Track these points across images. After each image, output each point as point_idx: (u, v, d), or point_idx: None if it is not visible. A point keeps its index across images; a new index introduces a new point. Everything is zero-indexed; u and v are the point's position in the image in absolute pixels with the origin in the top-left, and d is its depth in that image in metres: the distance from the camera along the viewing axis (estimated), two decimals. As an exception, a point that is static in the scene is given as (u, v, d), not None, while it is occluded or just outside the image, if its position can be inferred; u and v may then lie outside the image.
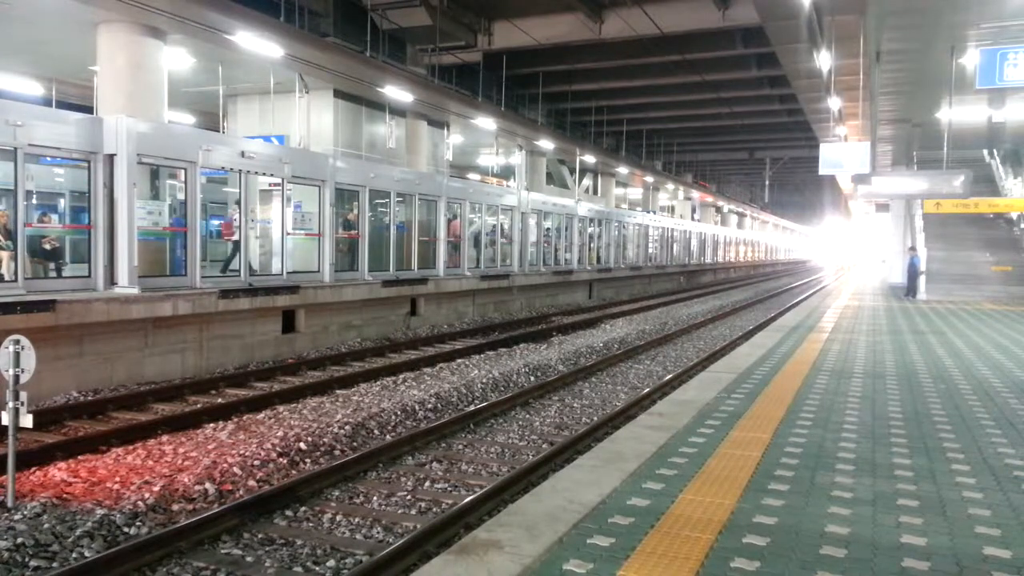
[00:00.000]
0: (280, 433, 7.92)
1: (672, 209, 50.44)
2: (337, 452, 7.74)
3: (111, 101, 13.00)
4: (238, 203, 13.26)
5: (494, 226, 22.58)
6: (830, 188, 56.73)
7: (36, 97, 17.66)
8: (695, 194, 49.92)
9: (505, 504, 6.09)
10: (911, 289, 22.87)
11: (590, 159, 32.67)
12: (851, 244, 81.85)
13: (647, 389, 11.20)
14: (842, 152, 18.98)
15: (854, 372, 8.74)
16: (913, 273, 23.15)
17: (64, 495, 6.17)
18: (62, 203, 14.57)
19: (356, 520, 6.05)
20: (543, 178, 31.89)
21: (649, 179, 41.06)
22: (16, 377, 5.96)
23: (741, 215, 65.69)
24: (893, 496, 4.42)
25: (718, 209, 59.29)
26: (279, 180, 13.61)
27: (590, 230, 28.76)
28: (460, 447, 8.22)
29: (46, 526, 5.45)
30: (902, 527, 3.93)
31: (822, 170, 19.45)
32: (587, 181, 36.53)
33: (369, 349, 14.19)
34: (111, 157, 10.89)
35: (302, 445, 7.60)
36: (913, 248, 25.12)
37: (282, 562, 5.28)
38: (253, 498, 6.11)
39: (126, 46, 13.12)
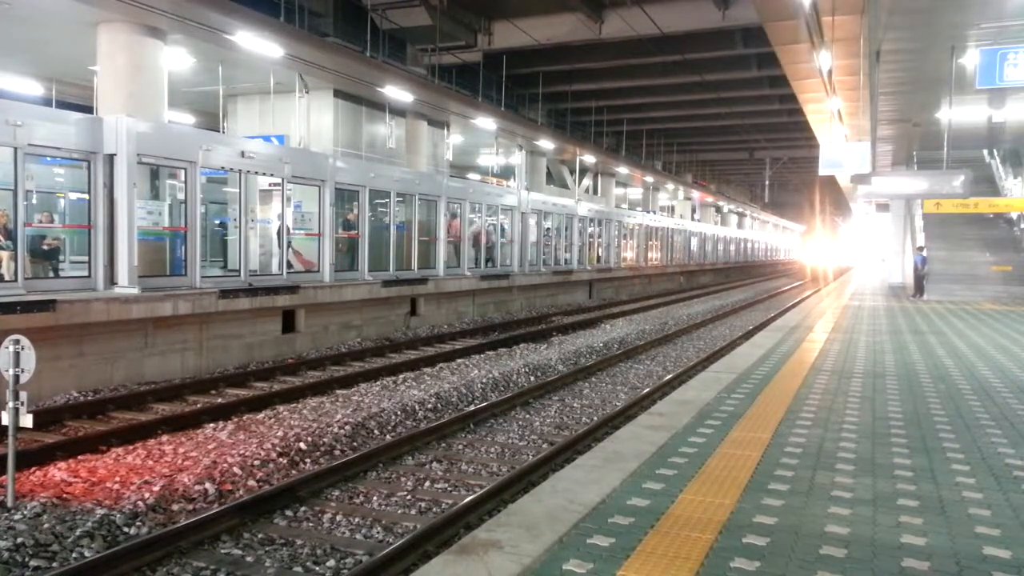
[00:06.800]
0: (280, 433, 7.92)
1: (672, 209, 50.44)
2: (337, 452, 7.74)
3: (111, 101, 13.00)
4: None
5: (493, 225, 22.57)
6: (830, 188, 56.71)
7: (36, 97, 17.65)
8: (695, 194, 49.92)
9: (505, 504, 6.09)
10: (919, 288, 22.82)
11: (590, 159, 32.67)
12: (851, 244, 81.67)
13: (647, 389, 11.20)
14: (842, 152, 18.99)
15: (854, 372, 8.74)
16: (919, 272, 23.11)
17: (64, 495, 6.17)
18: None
19: (356, 520, 6.05)
20: (543, 178, 31.89)
21: (649, 179, 41.06)
22: (16, 377, 5.96)
23: (741, 215, 65.66)
24: (893, 496, 4.42)
25: (718, 209, 59.26)
26: (279, 180, 13.62)
27: (590, 230, 28.77)
28: (460, 447, 8.23)
29: (46, 526, 5.45)
30: (902, 527, 3.93)
31: (822, 170, 19.46)
32: (587, 181, 36.52)
33: (369, 349, 14.19)
34: (111, 157, 10.89)
35: (302, 445, 7.60)
36: (920, 248, 25.10)
37: (282, 562, 5.28)
38: (253, 498, 6.11)
39: (126, 46, 13.12)
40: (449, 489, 6.89)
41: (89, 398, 9.79)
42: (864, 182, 18.78)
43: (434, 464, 7.57)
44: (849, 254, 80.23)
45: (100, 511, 5.75)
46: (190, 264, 11.96)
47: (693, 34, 22.71)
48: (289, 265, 14.03)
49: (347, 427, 8.30)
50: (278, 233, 14.38)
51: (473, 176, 31.13)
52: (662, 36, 21.15)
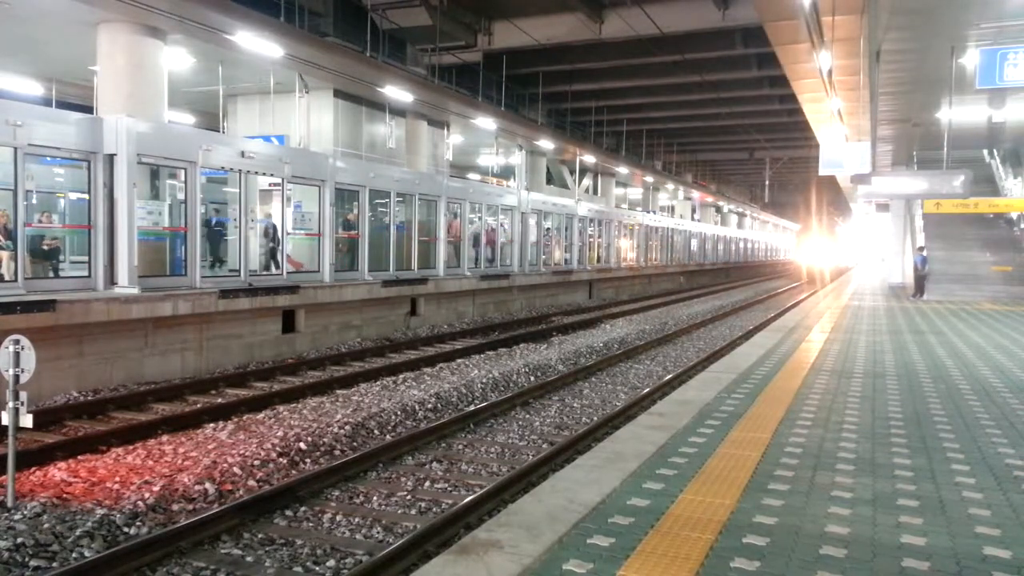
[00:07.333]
0: (280, 433, 7.92)
1: (672, 209, 50.44)
2: (337, 452, 7.75)
3: (111, 101, 13.00)
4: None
5: (495, 226, 22.61)
6: (830, 188, 56.66)
7: (36, 97, 17.64)
8: (695, 194, 49.92)
9: (505, 504, 6.09)
10: (920, 288, 22.80)
11: (590, 159, 32.67)
12: (851, 244, 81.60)
13: (647, 389, 11.20)
14: (842, 152, 18.99)
15: (854, 372, 8.74)
16: (919, 272, 23.09)
17: (64, 495, 6.17)
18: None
19: (356, 520, 6.05)
20: (543, 178, 31.89)
21: (649, 179, 41.06)
22: (16, 377, 5.96)
23: (741, 215, 65.64)
24: (893, 496, 4.42)
25: (718, 209, 59.24)
26: (279, 180, 13.62)
27: (590, 230, 28.78)
28: (460, 447, 8.23)
29: (46, 526, 5.45)
30: (902, 527, 3.93)
31: (822, 170, 19.45)
32: (587, 181, 36.52)
33: (369, 349, 14.19)
34: (111, 157, 10.90)
35: (302, 445, 7.60)
36: (920, 248, 25.10)
37: (282, 562, 5.28)
38: (253, 498, 6.11)
39: (126, 46, 13.11)
40: (449, 489, 6.89)
41: (89, 398, 9.79)
42: (864, 182, 18.77)
43: (434, 464, 7.57)
44: (849, 254, 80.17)
45: (100, 511, 5.75)
46: (190, 264, 11.96)
47: (693, 34, 22.70)
48: (277, 265, 14.03)
49: (347, 427, 8.30)
50: (265, 234, 14.33)
51: (473, 176, 31.12)
52: (662, 36, 21.13)
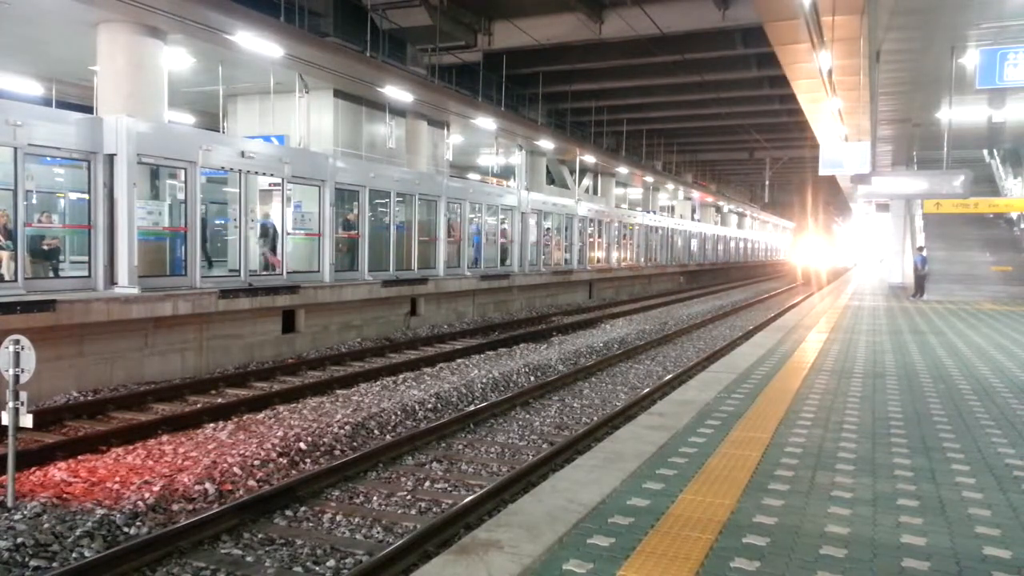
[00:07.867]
0: (280, 433, 7.92)
1: (672, 209, 50.43)
2: (337, 452, 7.75)
3: (111, 101, 12.99)
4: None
5: (502, 227, 22.63)
6: (831, 187, 56.59)
7: (36, 97, 17.64)
8: (695, 194, 49.92)
9: (505, 504, 6.09)
10: (919, 288, 22.79)
11: (590, 159, 32.66)
12: (852, 243, 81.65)
13: (647, 389, 11.20)
14: (842, 152, 18.98)
15: (854, 372, 8.74)
16: (919, 273, 23.09)
17: (64, 495, 6.17)
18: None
19: (356, 520, 6.05)
20: (543, 178, 31.87)
21: (649, 179, 41.05)
22: (16, 377, 5.96)
23: (741, 215, 65.62)
24: (893, 496, 4.42)
25: (718, 209, 59.23)
26: (279, 180, 13.62)
27: (590, 230, 28.79)
28: (460, 447, 8.23)
29: (46, 526, 5.45)
30: (902, 527, 3.93)
31: (822, 170, 19.44)
32: (587, 181, 36.50)
33: (369, 349, 14.19)
34: (111, 157, 10.89)
35: (302, 445, 7.60)
36: (920, 248, 25.10)
37: (282, 562, 5.28)
38: (253, 498, 6.11)
39: (126, 46, 13.11)
40: (449, 489, 6.89)
41: (89, 398, 9.79)
42: (864, 182, 18.77)
43: (434, 464, 7.57)
44: (849, 254, 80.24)
45: (100, 511, 5.75)
46: (190, 264, 11.96)
47: (693, 34, 22.68)
48: (270, 267, 14.04)
49: (347, 427, 8.30)
50: (263, 235, 14.31)
51: (473, 176, 31.12)
52: (662, 36, 21.12)
